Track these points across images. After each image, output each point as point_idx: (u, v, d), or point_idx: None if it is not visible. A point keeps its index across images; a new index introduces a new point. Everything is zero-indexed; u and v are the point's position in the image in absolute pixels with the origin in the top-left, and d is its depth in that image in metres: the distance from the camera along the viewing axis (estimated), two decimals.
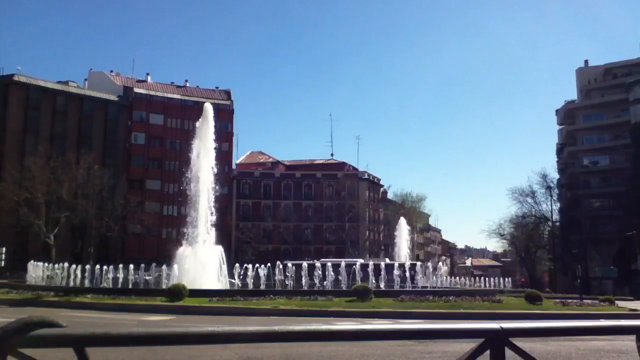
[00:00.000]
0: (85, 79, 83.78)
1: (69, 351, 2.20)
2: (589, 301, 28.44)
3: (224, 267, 29.36)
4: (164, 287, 25.44)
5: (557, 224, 76.19)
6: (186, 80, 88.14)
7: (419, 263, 38.44)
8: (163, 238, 72.14)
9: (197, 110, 42.58)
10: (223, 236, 50.15)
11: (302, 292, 24.57)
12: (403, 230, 54.63)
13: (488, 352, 2.48)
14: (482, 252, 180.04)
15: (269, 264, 30.94)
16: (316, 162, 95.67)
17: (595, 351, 9.64)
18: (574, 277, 57.92)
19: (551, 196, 73.59)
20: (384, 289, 28.25)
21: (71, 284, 29.63)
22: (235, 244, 76.77)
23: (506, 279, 47.80)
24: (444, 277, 44.16)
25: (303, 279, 28.36)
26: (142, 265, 31.37)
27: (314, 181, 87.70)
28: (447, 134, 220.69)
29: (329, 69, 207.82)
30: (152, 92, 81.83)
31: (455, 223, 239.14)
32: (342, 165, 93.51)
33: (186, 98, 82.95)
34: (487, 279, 45.83)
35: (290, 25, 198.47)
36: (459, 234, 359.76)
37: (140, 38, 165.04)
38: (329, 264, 30.52)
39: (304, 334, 2.46)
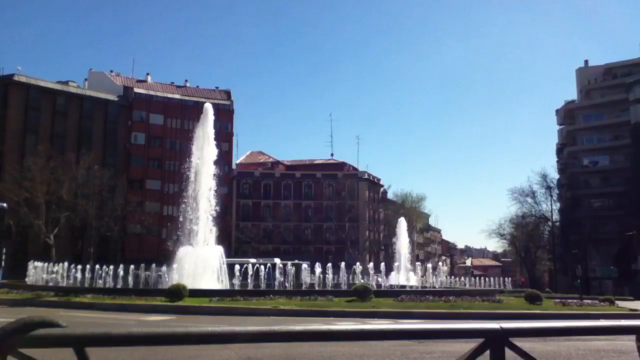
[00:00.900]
0: (85, 79, 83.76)
1: (69, 351, 2.20)
2: (589, 301, 28.47)
3: (224, 267, 29.37)
4: (164, 287, 25.43)
5: (557, 224, 76.15)
6: (186, 80, 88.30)
7: (277, 260, 38.10)
8: (163, 238, 72.06)
9: (197, 110, 42.53)
10: (223, 236, 50.18)
11: (302, 292, 24.61)
12: (403, 230, 54.56)
13: (488, 352, 2.48)
14: (482, 252, 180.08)
15: (269, 264, 30.94)
16: (316, 162, 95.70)
17: (595, 351, 9.64)
18: (574, 277, 57.92)
19: (551, 196, 73.66)
20: (383, 289, 28.26)
21: (71, 284, 29.64)
22: (235, 244, 76.79)
23: (506, 279, 47.80)
24: (444, 277, 44.22)
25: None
26: (142, 265, 31.37)
27: (314, 181, 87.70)
28: (447, 134, 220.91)
29: (329, 69, 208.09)
30: (152, 92, 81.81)
31: (455, 223, 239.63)
32: (342, 165, 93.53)
33: (186, 98, 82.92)
34: (487, 279, 45.86)
35: (291, 25, 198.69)
36: (459, 234, 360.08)
37: (140, 38, 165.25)
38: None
39: (304, 334, 2.46)
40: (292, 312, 19.33)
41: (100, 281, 29.95)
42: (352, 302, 21.70)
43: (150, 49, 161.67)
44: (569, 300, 27.94)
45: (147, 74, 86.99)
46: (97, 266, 31.28)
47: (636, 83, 69.78)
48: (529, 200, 75.55)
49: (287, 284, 30.44)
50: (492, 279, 45.57)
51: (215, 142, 32.38)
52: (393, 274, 42.82)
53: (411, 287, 34.90)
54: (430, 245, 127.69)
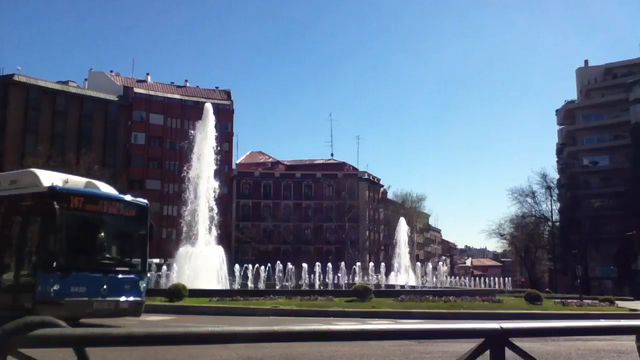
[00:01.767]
0: (85, 79, 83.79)
1: (69, 351, 2.20)
2: (589, 301, 28.44)
3: (224, 267, 29.37)
4: (163, 287, 25.41)
5: (557, 224, 76.22)
6: (186, 80, 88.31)
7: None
8: (163, 238, 72.08)
9: (197, 110, 42.62)
10: (223, 236, 50.04)
11: (302, 292, 24.58)
12: (403, 231, 54.61)
13: (488, 352, 2.49)
14: (482, 252, 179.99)
15: (269, 264, 30.95)
16: (316, 162, 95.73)
17: (595, 351, 9.64)
18: (574, 277, 57.90)
19: (551, 196, 73.76)
20: (383, 289, 28.29)
21: None
22: (235, 244, 76.81)
23: (506, 279, 47.92)
24: (444, 277, 44.24)
25: None
26: None
27: (314, 181, 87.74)
28: (447, 134, 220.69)
29: (329, 69, 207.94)
30: (152, 92, 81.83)
31: (455, 223, 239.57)
32: (342, 165, 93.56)
33: (186, 98, 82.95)
34: (487, 279, 45.95)
35: (291, 26, 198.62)
36: (459, 234, 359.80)
37: (140, 38, 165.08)
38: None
39: (304, 334, 2.46)
40: (292, 312, 19.30)
41: None
42: (352, 302, 21.68)
43: (150, 49, 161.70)
44: (569, 300, 27.91)
45: (147, 74, 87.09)
46: None
47: (636, 83, 69.81)
48: (529, 200, 75.75)
49: (287, 284, 30.44)
50: (492, 279, 45.69)
51: (215, 142, 32.41)
52: (393, 274, 42.93)
53: (411, 287, 34.93)
54: (430, 245, 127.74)
